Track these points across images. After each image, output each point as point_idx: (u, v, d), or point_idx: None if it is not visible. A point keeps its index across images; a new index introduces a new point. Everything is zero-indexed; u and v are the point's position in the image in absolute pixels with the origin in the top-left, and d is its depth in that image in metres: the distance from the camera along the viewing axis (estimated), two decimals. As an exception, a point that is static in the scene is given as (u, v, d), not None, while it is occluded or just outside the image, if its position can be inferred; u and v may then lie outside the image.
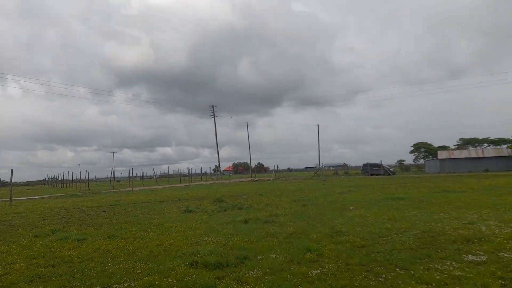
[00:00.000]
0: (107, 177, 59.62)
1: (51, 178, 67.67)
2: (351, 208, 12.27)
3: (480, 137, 62.32)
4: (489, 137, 60.06)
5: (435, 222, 8.75)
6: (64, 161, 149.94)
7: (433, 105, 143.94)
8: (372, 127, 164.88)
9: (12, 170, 20.10)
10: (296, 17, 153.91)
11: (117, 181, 70.90)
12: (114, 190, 32.64)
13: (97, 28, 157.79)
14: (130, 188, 30.76)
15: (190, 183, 38.43)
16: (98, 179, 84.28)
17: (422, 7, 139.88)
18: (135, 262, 6.09)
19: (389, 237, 7.26)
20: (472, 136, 63.49)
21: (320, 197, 16.93)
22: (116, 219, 11.95)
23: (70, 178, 53.21)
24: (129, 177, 31.24)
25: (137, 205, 16.58)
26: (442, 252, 5.96)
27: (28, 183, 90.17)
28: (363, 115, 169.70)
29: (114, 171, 57.46)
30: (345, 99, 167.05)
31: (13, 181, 22.05)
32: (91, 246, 7.60)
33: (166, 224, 10.25)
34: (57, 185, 57.85)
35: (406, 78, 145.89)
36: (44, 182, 76.38)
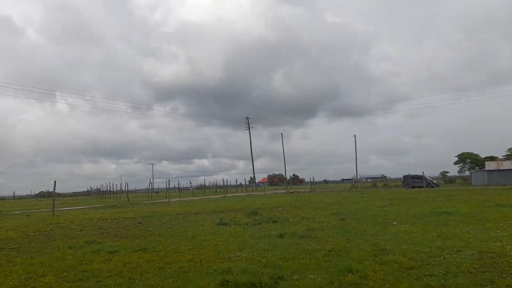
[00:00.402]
0: (147, 188, 61.12)
1: (94, 189, 70.23)
2: (395, 223, 11.42)
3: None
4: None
5: (492, 241, 7.84)
6: (107, 173, 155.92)
7: (476, 113, 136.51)
8: (411, 137, 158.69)
9: (55, 182, 20.86)
10: (329, 28, 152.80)
11: (155, 192, 72.53)
12: (152, 201, 33.12)
13: (137, 46, 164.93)
14: (167, 200, 31.06)
15: (226, 195, 38.34)
16: (138, 190, 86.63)
17: (458, 11, 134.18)
18: (164, 278, 5.78)
19: (441, 258, 6.50)
20: None
21: (360, 210, 16.07)
22: (150, 231, 11.84)
23: (112, 189, 54.82)
24: (166, 189, 31.50)
25: (172, 217, 16.50)
26: (508, 278, 5.18)
27: (74, 194, 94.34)
28: (401, 124, 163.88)
29: (152, 182, 58.95)
30: (382, 109, 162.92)
31: (60, 192, 22.90)
32: (122, 259, 7.41)
33: (199, 237, 9.96)
34: (99, 196, 59.88)
35: (445, 85, 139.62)
36: (87, 193, 79.41)
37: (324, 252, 7.29)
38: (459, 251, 6.99)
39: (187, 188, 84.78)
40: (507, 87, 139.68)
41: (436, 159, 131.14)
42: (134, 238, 10.49)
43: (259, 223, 12.65)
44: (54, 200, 20.79)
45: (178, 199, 35.06)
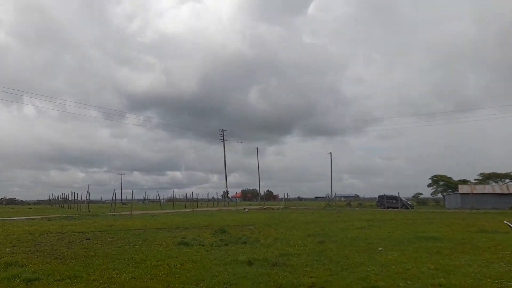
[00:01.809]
0: (117, 199, 57.95)
1: (56, 198, 66.02)
2: (380, 249, 10.01)
3: (498, 172, 59.24)
4: (511, 172, 56.81)
5: (504, 278, 6.50)
6: (75, 181, 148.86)
7: (444, 138, 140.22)
8: (383, 158, 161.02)
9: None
10: (306, 48, 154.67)
11: (123, 203, 69.03)
12: (114, 213, 30.63)
13: (112, 54, 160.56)
14: (130, 212, 28.72)
15: (195, 209, 36.23)
16: (107, 200, 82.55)
17: (430, 40, 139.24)
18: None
19: (453, 303, 5.07)
20: (491, 171, 60.42)
21: (338, 232, 14.64)
22: (95, 250, 9.92)
23: (76, 198, 51.35)
24: (131, 200, 29.24)
25: (128, 233, 14.52)
26: None
27: (38, 202, 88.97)
28: (373, 146, 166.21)
29: (121, 193, 55.94)
30: (355, 129, 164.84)
31: (23, 200, 20.30)
32: (37, 293, 5.57)
33: (150, 262, 8.17)
34: (60, 205, 56.15)
35: (414, 110, 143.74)
36: (49, 202, 74.83)
37: (302, 290, 5.72)
38: (471, 292, 5.60)
39: (158, 200, 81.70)
40: (471, 114, 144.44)
41: (406, 181, 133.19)
42: (70, 259, 8.57)
43: (226, 244, 10.95)
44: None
45: (143, 212, 32.68)
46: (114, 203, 37.34)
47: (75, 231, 15.31)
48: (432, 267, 7.40)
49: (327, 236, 12.92)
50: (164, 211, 36.16)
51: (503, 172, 58.60)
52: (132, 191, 28.94)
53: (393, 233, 14.30)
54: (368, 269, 7.29)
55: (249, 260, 8.00)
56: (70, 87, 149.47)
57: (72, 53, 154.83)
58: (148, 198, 73.87)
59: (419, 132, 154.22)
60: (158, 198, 55.30)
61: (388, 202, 43.23)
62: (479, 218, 23.87)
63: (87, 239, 12.59)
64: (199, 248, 10.19)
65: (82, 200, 44.07)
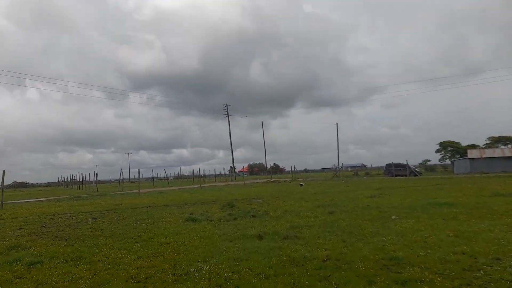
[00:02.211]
0: (125, 178, 58.43)
1: (65, 180, 66.68)
2: (393, 217, 9.69)
3: (507, 135, 58.26)
4: (521, 135, 55.93)
5: (530, 243, 6.14)
6: (83, 163, 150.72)
7: (451, 104, 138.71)
8: (388, 127, 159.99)
9: (3, 171, 18.21)
10: (307, 18, 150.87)
11: (131, 182, 69.62)
12: (121, 192, 30.71)
13: (110, 34, 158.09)
14: (138, 190, 28.74)
15: (202, 185, 36.23)
16: (115, 180, 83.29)
17: (434, 5, 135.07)
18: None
19: (480, 271, 4.73)
20: (500, 134, 59.43)
21: (348, 201, 14.36)
22: (102, 230, 9.72)
23: (84, 179, 51.74)
24: (138, 179, 29.19)
25: (136, 210, 14.36)
26: None
27: (48, 184, 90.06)
28: (379, 115, 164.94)
29: (129, 172, 56.22)
30: (360, 99, 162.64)
31: (33, 183, 20.21)
32: (38, 276, 5.33)
33: (157, 239, 7.93)
34: (70, 186, 56.68)
35: (420, 77, 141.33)
36: (59, 184, 75.69)
37: (317, 263, 5.41)
38: (498, 259, 5.25)
39: (166, 178, 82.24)
40: (478, 79, 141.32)
41: (412, 149, 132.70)
42: (75, 240, 8.36)
43: (235, 219, 10.70)
44: (2, 193, 18.20)
45: (151, 190, 32.74)
46: (122, 182, 37.43)
47: (83, 211, 15.19)
48: (451, 234, 7.06)
49: (337, 207, 12.63)
50: (172, 188, 36.22)
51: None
52: (139, 169, 28.91)
53: (404, 200, 13.98)
54: (384, 239, 6.96)
55: (259, 234, 7.72)
56: (71, 69, 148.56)
57: (70, 35, 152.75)
58: (156, 176, 74.63)
59: (425, 99, 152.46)
60: (165, 175, 55.26)
61: (396, 170, 42.89)
62: (490, 182, 23.47)
63: (93, 218, 12.44)
64: (207, 224, 9.95)
65: (90, 180, 44.41)
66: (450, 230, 7.53)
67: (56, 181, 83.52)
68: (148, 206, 16.24)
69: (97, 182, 38.77)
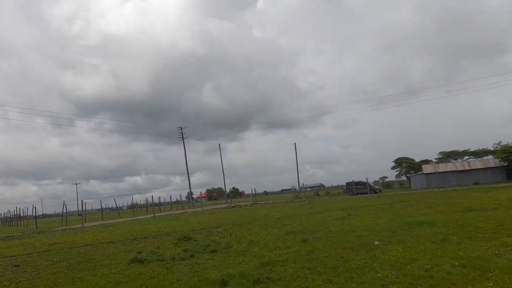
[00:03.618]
0: (75, 210, 53.57)
1: (1, 216, 60.12)
2: (376, 243, 8.41)
3: (460, 149, 61.03)
4: (469, 149, 58.74)
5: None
6: (27, 196, 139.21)
7: (397, 122, 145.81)
8: (340, 146, 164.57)
9: None
10: (257, 42, 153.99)
11: (79, 214, 64.28)
12: (63, 228, 27.38)
13: (53, 58, 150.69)
14: (82, 225, 25.64)
15: (157, 214, 33.55)
16: (62, 213, 76.92)
17: (375, 28, 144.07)
18: None
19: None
20: (442, 149, 62.28)
21: (318, 225, 13.03)
22: (19, 283, 7.55)
23: (24, 214, 46.61)
24: (83, 211, 26.19)
25: (73, 251, 12.05)
26: None
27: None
28: (331, 135, 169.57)
29: (77, 204, 51.60)
30: (312, 120, 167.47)
31: None
32: None
33: (87, 295, 6.00)
34: (7, 223, 50.95)
35: (366, 97, 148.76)
36: (-5, 221, 68.27)
37: (306, 324, 3.86)
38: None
39: (117, 208, 77.14)
40: (419, 98, 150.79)
41: (365, 167, 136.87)
42: (-26, 303, 6.20)
43: (192, 256, 8.91)
44: None
45: (98, 223, 29.65)
46: (66, 216, 33.76)
47: (7, 255, 12.59)
48: (456, 264, 5.82)
49: (308, 233, 11.22)
50: (123, 219, 33.18)
51: (461, 149, 60.51)
52: (82, 200, 25.95)
53: (377, 221, 12.90)
54: (379, 275, 5.58)
55: (222, 279, 6.04)
56: (11, 95, 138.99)
57: (9, 58, 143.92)
58: (108, 206, 69.78)
59: (373, 118, 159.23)
60: (116, 206, 51.44)
61: (356, 188, 42.72)
62: (452, 196, 23.37)
63: (16, 265, 10.06)
64: (158, 265, 8.08)
65: (27, 215, 39.93)
66: (451, 257, 6.32)
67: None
68: (90, 244, 13.89)
69: (36, 217, 34.69)
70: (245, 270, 6.59)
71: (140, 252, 10.19)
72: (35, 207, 33.32)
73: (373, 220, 13.19)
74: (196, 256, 8.87)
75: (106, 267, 8.45)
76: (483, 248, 6.83)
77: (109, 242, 14.15)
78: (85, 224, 28.36)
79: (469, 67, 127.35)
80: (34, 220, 33.39)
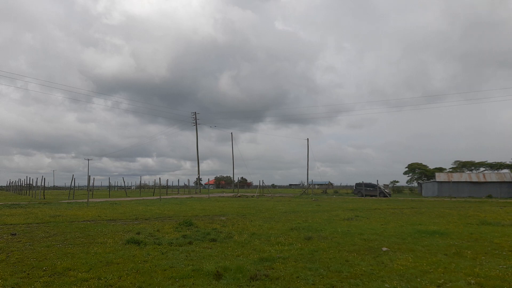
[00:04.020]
0: (85, 185, 54.07)
1: (13, 184, 61.23)
2: (384, 249, 7.94)
3: (475, 160, 59.50)
4: (486, 161, 57.22)
5: None
6: (41, 167, 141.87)
7: (413, 127, 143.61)
8: (353, 147, 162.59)
9: None
10: (278, 35, 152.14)
11: (89, 190, 65.03)
12: (69, 201, 27.54)
13: (76, 35, 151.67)
14: (87, 200, 25.72)
15: (163, 197, 33.54)
16: (74, 187, 78.16)
17: (398, 31, 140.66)
18: None
19: None
20: (457, 159, 60.58)
21: (324, 224, 12.59)
22: (9, 253, 7.33)
23: (34, 184, 47.30)
24: (87, 187, 26.24)
25: (72, 225, 11.88)
26: None
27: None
28: (344, 134, 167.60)
29: (88, 179, 51.92)
30: (327, 118, 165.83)
31: None
32: None
33: (75, 273, 5.72)
34: (17, 191, 51.86)
35: (384, 99, 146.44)
36: (7, 188, 69.72)
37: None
38: None
39: (126, 187, 77.91)
40: (438, 105, 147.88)
41: (376, 169, 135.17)
42: (-41, 270, 5.97)
43: (190, 243, 8.59)
44: None
45: (104, 200, 29.76)
46: (74, 190, 33.99)
47: (7, 223, 12.52)
48: (472, 282, 5.33)
49: (313, 230, 10.79)
50: (129, 198, 33.27)
51: (476, 160, 59.01)
52: (89, 176, 25.98)
53: (386, 226, 12.38)
54: (387, 285, 5.13)
55: (217, 271, 5.67)
56: (33, 68, 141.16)
57: (33, 32, 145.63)
58: (117, 184, 70.51)
59: (388, 121, 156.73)
60: (124, 184, 51.78)
61: (366, 190, 41.97)
62: (466, 207, 22.59)
63: (12, 234, 9.92)
64: (153, 249, 7.77)
65: (37, 186, 40.42)
66: (466, 273, 5.82)
67: (5, 185, 77.23)
68: (91, 220, 13.73)
69: (44, 188, 35.07)
70: (243, 264, 6.21)
71: (138, 233, 9.94)
72: (44, 178, 33.63)
73: (382, 225, 12.68)
74: (195, 243, 8.54)
75: (101, 246, 8.18)
76: (501, 267, 6.30)
77: (110, 219, 13.97)
78: (91, 200, 28.57)
79: (492, 76, 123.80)
80: (42, 190, 33.71)
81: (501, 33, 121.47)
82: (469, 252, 7.67)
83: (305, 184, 65.77)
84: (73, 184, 34.30)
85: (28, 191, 44.27)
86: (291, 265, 6.35)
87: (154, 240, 8.85)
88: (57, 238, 9.22)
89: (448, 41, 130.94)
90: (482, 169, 56.28)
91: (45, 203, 25.18)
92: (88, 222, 12.93)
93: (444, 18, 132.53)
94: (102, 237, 9.40)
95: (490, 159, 57.41)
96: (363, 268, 6.14)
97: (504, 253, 7.64)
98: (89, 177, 25.86)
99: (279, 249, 7.86)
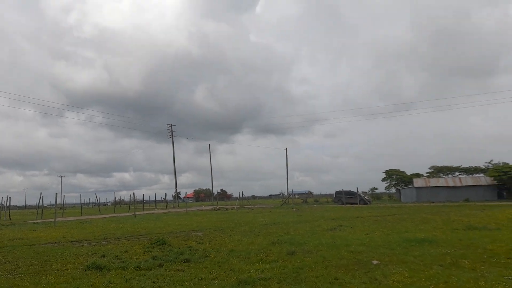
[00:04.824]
0: (58, 203, 51.44)
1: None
2: (375, 262, 7.26)
3: (450, 165, 60.55)
4: (461, 165, 58.24)
5: None
6: (12, 186, 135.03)
7: (386, 135, 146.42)
8: (330, 156, 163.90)
9: None
10: (253, 47, 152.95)
11: (60, 207, 62.21)
12: (36, 221, 25.74)
13: (47, 48, 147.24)
14: (58, 219, 24.08)
15: (138, 213, 32.04)
16: (47, 205, 74.57)
17: (370, 42, 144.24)
18: None
19: None
20: (431, 165, 61.64)
21: (307, 236, 11.87)
22: None
23: (8, 204, 44.54)
24: (61, 204, 24.64)
25: (31, 250, 10.66)
26: None
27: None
28: (320, 144, 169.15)
29: (61, 196, 49.63)
30: (303, 128, 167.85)
31: None
32: None
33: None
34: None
35: (357, 109, 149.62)
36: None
37: None
38: None
39: (104, 203, 74.99)
40: (409, 113, 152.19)
41: (353, 177, 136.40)
42: None
43: (160, 265, 7.65)
44: None
45: (75, 218, 28.09)
46: (42, 209, 32.06)
47: (-44, 250, 11.15)
48: (480, 299, 4.69)
49: (296, 244, 10.03)
50: (102, 216, 31.61)
51: (450, 164, 60.06)
52: (56, 193, 24.37)
53: (372, 235, 11.79)
54: (386, 309, 4.40)
55: (187, 302, 4.81)
56: (1, 82, 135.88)
57: (1, 45, 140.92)
58: (92, 201, 67.74)
59: (363, 130, 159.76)
60: (97, 201, 49.64)
61: (346, 198, 41.69)
62: (446, 211, 22.43)
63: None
64: (117, 275, 6.80)
65: (16, 205, 38.19)
66: (470, 287, 5.19)
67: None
68: (54, 242, 12.50)
69: (10, 208, 33.01)
70: (218, 290, 5.37)
71: (103, 256, 8.91)
72: (10, 197, 31.60)
73: (367, 234, 12.08)
74: (165, 266, 7.61)
75: (56, 274, 7.13)
76: (505, 278, 5.71)
77: (76, 240, 12.78)
78: (61, 219, 26.91)
79: (459, 86, 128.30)
80: (8, 211, 31.66)
81: (467, 44, 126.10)
82: (465, 261, 7.10)
83: (285, 194, 65.31)
84: (41, 203, 32.44)
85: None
86: (274, 288, 5.56)
87: (120, 264, 7.85)
88: (7, 267, 8.08)
89: (416, 52, 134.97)
90: (457, 173, 57.27)
91: (9, 224, 23.45)
92: (50, 245, 11.72)
93: (412, 31, 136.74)
94: (61, 263, 8.32)
95: (463, 164, 58.58)
96: (353, 286, 5.41)
97: (502, 260, 7.11)
98: (56, 194, 24.32)
99: (260, 268, 7.05)
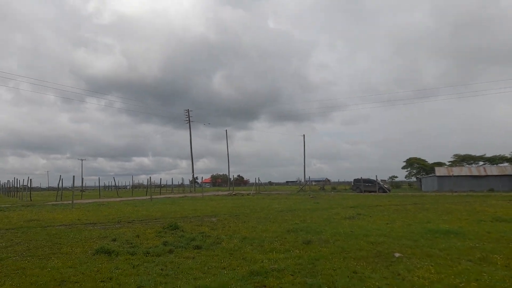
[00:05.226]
0: (79, 186, 52.53)
1: (3, 186, 59.54)
2: (397, 255, 6.77)
3: (474, 154, 58.60)
4: (485, 154, 56.29)
5: None
6: (36, 168, 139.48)
7: (406, 123, 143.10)
8: (348, 143, 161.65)
9: None
10: (270, 33, 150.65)
11: (81, 190, 63.61)
12: (55, 203, 26.19)
13: (67, 36, 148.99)
14: (77, 201, 24.40)
15: (155, 196, 32.25)
16: (69, 187, 76.54)
17: (390, 29, 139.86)
18: None
19: None
20: (456, 153, 59.71)
21: (324, 224, 11.42)
22: (-50, 270, 6.09)
23: (25, 185, 45.80)
24: (72, 187, 24.92)
25: (44, 232, 10.61)
26: None
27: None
28: (339, 131, 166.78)
29: (82, 180, 50.72)
30: (321, 115, 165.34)
31: None
32: None
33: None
34: (6, 193, 50.34)
35: (376, 97, 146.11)
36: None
37: None
38: None
39: (124, 187, 76.28)
40: (429, 101, 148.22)
41: (371, 165, 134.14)
42: None
43: (170, 251, 7.38)
44: None
45: (93, 201, 28.44)
46: (61, 191, 32.67)
47: (-28, 230, 11.23)
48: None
49: (312, 232, 9.61)
50: (119, 199, 31.95)
51: (474, 153, 58.12)
52: (74, 176, 24.53)
53: (393, 225, 11.24)
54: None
55: (193, 294, 4.47)
56: (24, 69, 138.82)
57: (24, 32, 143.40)
58: (112, 184, 68.98)
59: (383, 117, 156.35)
60: (115, 184, 50.38)
61: (364, 185, 40.88)
62: (470, 202, 21.53)
63: (-31, 244, 8.65)
64: (124, 261, 6.55)
65: (34, 186, 39.15)
66: (506, 288, 4.66)
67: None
68: (68, 224, 12.48)
69: (31, 190, 33.75)
70: (227, 282, 5.02)
71: (114, 240, 8.73)
72: (31, 179, 32.32)
73: (387, 223, 11.54)
74: (175, 252, 7.33)
75: (64, 257, 6.95)
76: (546, 277, 5.14)
77: (90, 223, 12.73)
78: (80, 201, 27.31)
79: (483, 72, 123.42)
80: (29, 192, 32.37)
81: (491, 29, 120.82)
82: (497, 257, 6.52)
83: (302, 180, 64.71)
84: (60, 185, 32.97)
85: (16, 193, 42.82)
86: (287, 280, 5.18)
87: (129, 248, 7.62)
88: (17, 248, 7.98)
89: (438, 38, 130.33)
90: (481, 163, 55.36)
91: (28, 205, 23.86)
92: (64, 227, 11.69)
93: (433, 16, 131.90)
94: (71, 246, 8.16)
95: (487, 153, 56.55)
96: (377, 283, 4.97)
97: (538, 257, 6.50)
98: (73, 177, 24.50)
99: (274, 257, 6.67)
